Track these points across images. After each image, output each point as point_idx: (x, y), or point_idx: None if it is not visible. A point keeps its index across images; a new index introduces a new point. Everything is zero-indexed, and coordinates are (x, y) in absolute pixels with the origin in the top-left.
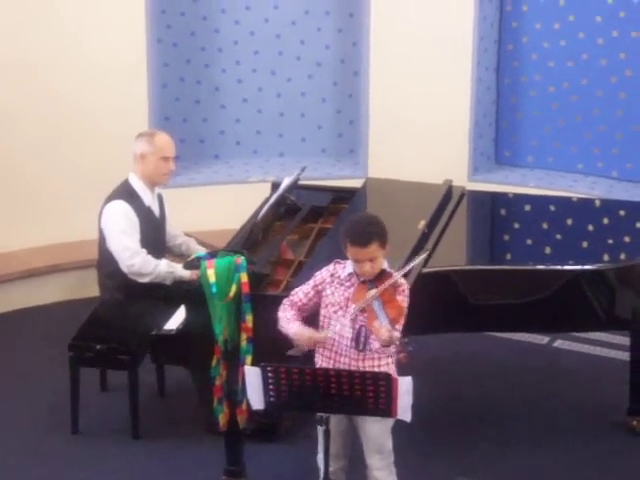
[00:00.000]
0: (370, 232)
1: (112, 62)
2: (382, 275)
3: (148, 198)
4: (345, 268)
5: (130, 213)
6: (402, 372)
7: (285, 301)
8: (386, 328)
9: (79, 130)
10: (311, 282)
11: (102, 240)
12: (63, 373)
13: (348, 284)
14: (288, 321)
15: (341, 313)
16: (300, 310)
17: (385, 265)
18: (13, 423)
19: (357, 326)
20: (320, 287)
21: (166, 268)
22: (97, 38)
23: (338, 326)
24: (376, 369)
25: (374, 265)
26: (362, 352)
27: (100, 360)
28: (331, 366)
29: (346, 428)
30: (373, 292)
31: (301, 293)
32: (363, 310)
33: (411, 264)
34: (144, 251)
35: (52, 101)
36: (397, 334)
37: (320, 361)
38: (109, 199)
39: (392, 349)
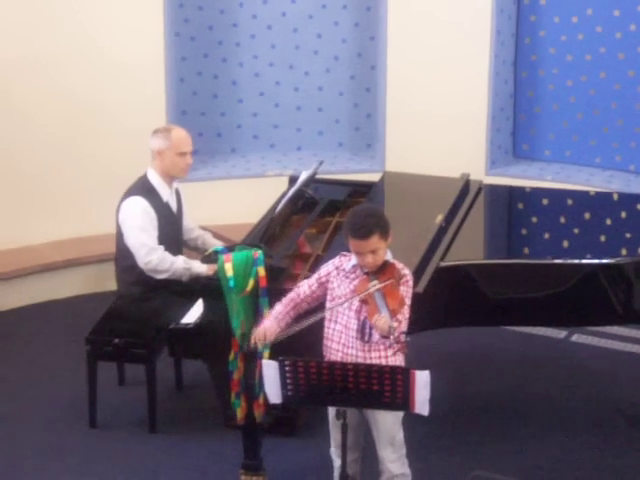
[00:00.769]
0: (370, 224)
1: (129, 56)
2: (385, 266)
3: (166, 193)
4: (350, 260)
5: (148, 209)
6: (419, 366)
7: (290, 293)
8: (384, 319)
9: (97, 125)
10: (316, 275)
11: (120, 235)
12: (81, 367)
13: (353, 276)
14: (268, 315)
15: (347, 305)
16: (302, 302)
17: (388, 256)
18: (31, 417)
19: (362, 317)
20: (324, 279)
21: (183, 265)
22: (114, 32)
23: (294, 328)
24: (383, 360)
25: (376, 257)
26: (367, 343)
27: (118, 354)
28: (338, 358)
29: (358, 421)
30: (374, 283)
31: (306, 286)
32: (365, 302)
33: (380, 285)
34: (161, 248)
35: (70, 96)
36: (395, 324)
37: (328, 354)
38: (127, 195)
39: (391, 339)
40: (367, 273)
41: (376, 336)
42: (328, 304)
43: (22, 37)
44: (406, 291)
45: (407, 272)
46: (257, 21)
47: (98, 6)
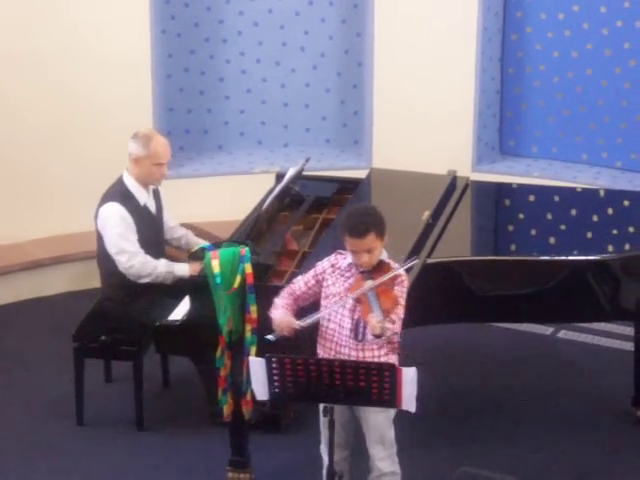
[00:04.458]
0: (367, 223)
1: (116, 53)
2: (380, 266)
3: (143, 197)
4: (345, 259)
5: (125, 215)
6: (406, 363)
7: (285, 288)
8: (377, 319)
9: (84, 121)
10: (312, 271)
11: (100, 240)
12: (68, 364)
13: (348, 274)
14: (275, 307)
15: (341, 303)
16: (299, 299)
17: (384, 256)
18: (18, 414)
19: (356, 316)
20: (320, 277)
21: (165, 268)
22: (102, 29)
23: (315, 317)
24: (376, 359)
25: (372, 256)
26: (360, 342)
27: (105, 351)
28: (332, 356)
29: (348, 419)
30: (369, 283)
31: (302, 282)
32: (359, 301)
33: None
34: (142, 252)
35: (57, 92)
36: (389, 325)
37: (322, 352)
38: (103, 200)
39: (383, 339)
40: (362, 272)
41: (369, 335)
42: (322, 302)
43: (12, 34)
44: (401, 291)
45: (402, 272)
46: (244, 18)
47: (84, 3)
